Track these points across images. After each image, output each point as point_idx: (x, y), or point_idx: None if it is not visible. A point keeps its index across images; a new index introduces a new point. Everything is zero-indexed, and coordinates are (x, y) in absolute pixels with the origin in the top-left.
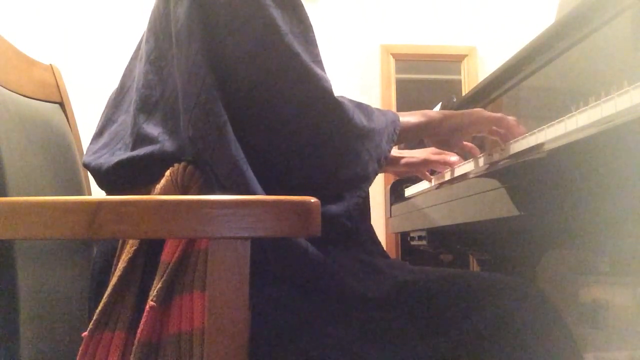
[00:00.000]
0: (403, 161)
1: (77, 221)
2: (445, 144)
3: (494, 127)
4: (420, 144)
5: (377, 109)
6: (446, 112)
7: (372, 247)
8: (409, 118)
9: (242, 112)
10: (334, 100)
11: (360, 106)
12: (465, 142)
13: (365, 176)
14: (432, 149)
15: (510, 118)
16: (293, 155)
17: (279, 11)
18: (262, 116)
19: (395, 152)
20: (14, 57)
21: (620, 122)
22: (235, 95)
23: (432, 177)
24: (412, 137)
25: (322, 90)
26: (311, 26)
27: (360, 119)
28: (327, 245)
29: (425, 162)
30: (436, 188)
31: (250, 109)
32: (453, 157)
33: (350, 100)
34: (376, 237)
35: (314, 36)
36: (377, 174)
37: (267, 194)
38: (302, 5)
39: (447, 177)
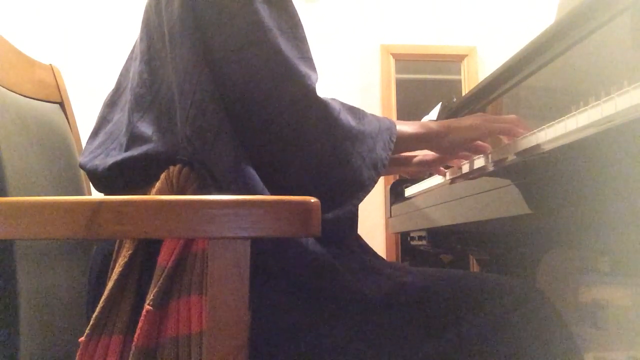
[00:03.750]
0: (416, 160)
1: (77, 221)
2: (447, 154)
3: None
4: None
5: (372, 115)
6: (447, 124)
7: (363, 256)
8: (407, 128)
9: (235, 111)
10: (315, 98)
11: (351, 109)
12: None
13: (359, 182)
14: None
15: (512, 118)
16: (279, 156)
17: (266, 7)
18: (250, 115)
19: None
20: (14, 57)
21: (620, 122)
22: (228, 93)
23: (446, 171)
24: (409, 147)
25: (303, 88)
26: (300, 22)
27: (347, 119)
28: (322, 246)
29: (440, 160)
30: (450, 183)
31: (241, 108)
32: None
33: (342, 103)
34: (367, 246)
35: (304, 33)
36: (374, 181)
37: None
38: (290, 1)
39: (465, 169)
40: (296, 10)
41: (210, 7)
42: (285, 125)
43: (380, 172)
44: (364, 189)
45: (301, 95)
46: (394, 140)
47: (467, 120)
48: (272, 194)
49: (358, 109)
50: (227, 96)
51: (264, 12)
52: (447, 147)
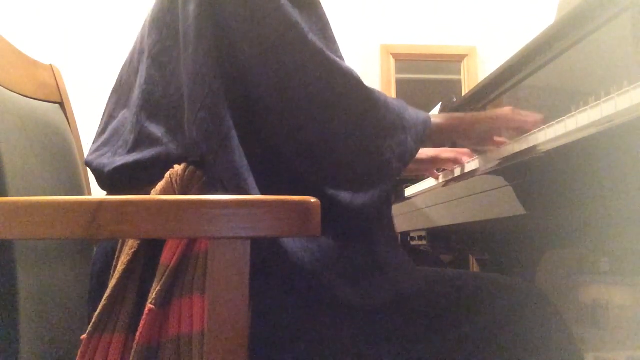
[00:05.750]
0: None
1: (77, 221)
2: (475, 146)
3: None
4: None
5: (411, 107)
6: (477, 116)
7: (392, 234)
8: (440, 120)
9: (256, 115)
10: (364, 88)
11: (394, 101)
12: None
13: (387, 173)
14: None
15: (537, 119)
16: (315, 151)
17: (297, 10)
18: (281, 115)
19: None
20: (14, 57)
21: (620, 122)
22: (248, 98)
23: (439, 174)
24: (442, 139)
25: (353, 79)
26: (328, 23)
27: (393, 108)
28: (345, 234)
29: (434, 161)
30: (443, 185)
31: (267, 110)
32: (465, 158)
33: (381, 92)
34: (394, 229)
35: (332, 33)
36: (400, 171)
37: (281, 192)
38: (318, 3)
39: (457, 172)
40: (324, 11)
41: (235, 12)
42: (329, 120)
43: (407, 163)
44: (392, 178)
45: (351, 87)
46: (428, 134)
47: (495, 112)
48: (295, 192)
49: (398, 101)
50: (251, 101)
51: (296, 15)
52: (476, 138)
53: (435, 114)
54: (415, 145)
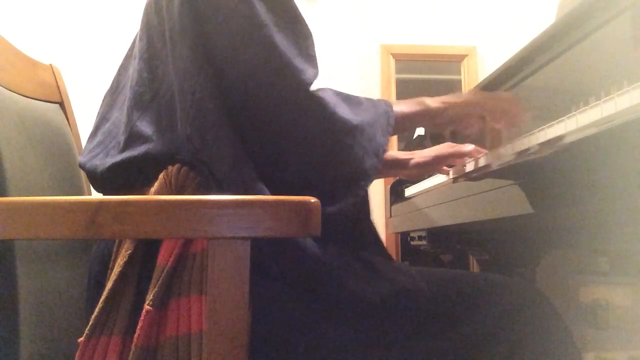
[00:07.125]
0: (413, 163)
1: (77, 221)
2: (443, 128)
3: (497, 115)
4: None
5: (368, 100)
6: (444, 100)
7: (375, 248)
8: (403, 107)
9: (235, 109)
10: (309, 94)
11: (347, 98)
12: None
13: (362, 172)
14: (446, 144)
15: (508, 97)
16: (279, 153)
17: (262, 3)
18: (250, 112)
19: (403, 153)
20: (14, 57)
21: (620, 122)
22: (228, 91)
23: (449, 170)
24: (409, 127)
25: (297, 84)
26: (301, 18)
27: (344, 112)
28: (326, 244)
29: (437, 160)
30: (453, 182)
31: (241, 106)
32: (468, 147)
33: (337, 93)
34: (379, 238)
35: (305, 29)
36: (376, 168)
37: (276, 188)
38: None
39: (469, 168)
40: (296, 7)
41: (209, 5)
42: (284, 122)
43: (381, 159)
44: (367, 177)
45: (295, 91)
46: (392, 123)
47: (464, 96)
48: (272, 192)
49: (354, 97)
50: (227, 94)
51: (260, 8)
52: (445, 123)
53: (398, 101)
54: (384, 138)
